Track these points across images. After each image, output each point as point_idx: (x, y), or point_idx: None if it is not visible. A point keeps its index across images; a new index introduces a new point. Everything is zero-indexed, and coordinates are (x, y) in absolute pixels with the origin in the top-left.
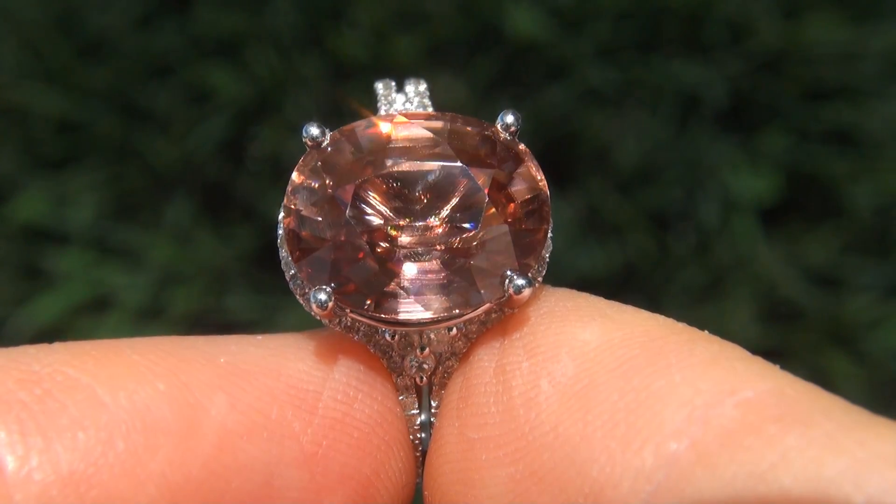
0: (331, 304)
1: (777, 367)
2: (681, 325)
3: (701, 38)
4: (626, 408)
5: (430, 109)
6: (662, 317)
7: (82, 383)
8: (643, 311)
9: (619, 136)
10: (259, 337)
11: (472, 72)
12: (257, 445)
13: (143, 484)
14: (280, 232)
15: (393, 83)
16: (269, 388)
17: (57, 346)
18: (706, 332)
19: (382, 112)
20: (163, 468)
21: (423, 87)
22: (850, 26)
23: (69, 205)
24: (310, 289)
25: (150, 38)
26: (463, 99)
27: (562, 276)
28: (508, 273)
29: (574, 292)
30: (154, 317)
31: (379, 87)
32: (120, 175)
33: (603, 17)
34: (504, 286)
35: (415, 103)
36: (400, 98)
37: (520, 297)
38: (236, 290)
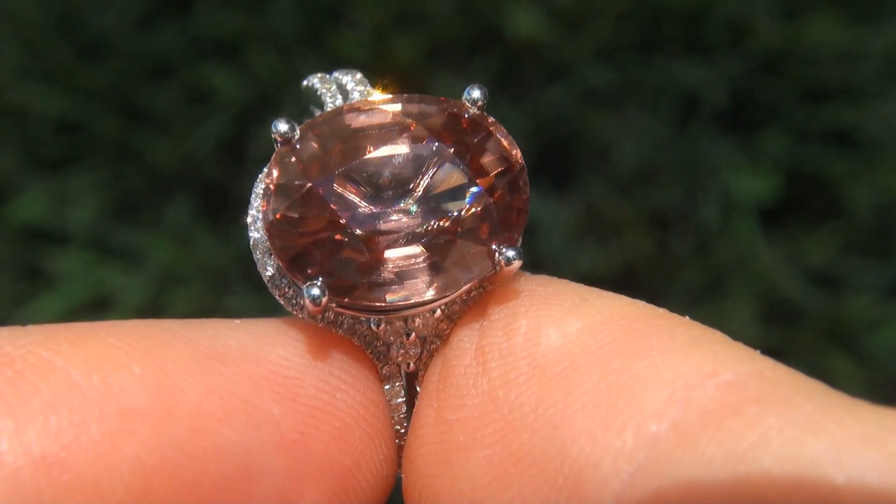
0: (325, 298)
1: (757, 351)
2: (661, 310)
3: (701, 39)
4: (606, 389)
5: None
6: (643, 302)
7: (56, 366)
8: (623, 296)
9: (619, 136)
10: (237, 321)
11: (472, 72)
12: (235, 429)
13: (117, 467)
14: (252, 235)
15: (328, 76)
16: (248, 373)
17: (31, 328)
18: (687, 317)
19: (329, 107)
20: (137, 452)
21: (358, 75)
22: (850, 26)
23: (69, 205)
24: (297, 286)
25: (150, 39)
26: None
27: (562, 276)
28: (495, 246)
29: (553, 278)
30: (154, 317)
31: (315, 81)
32: (120, 175)
33: (603, 17)
34: (494, 260)
35: (358, 92)
36: (341, 90)
37: (510, 268)
38: (236, 290)
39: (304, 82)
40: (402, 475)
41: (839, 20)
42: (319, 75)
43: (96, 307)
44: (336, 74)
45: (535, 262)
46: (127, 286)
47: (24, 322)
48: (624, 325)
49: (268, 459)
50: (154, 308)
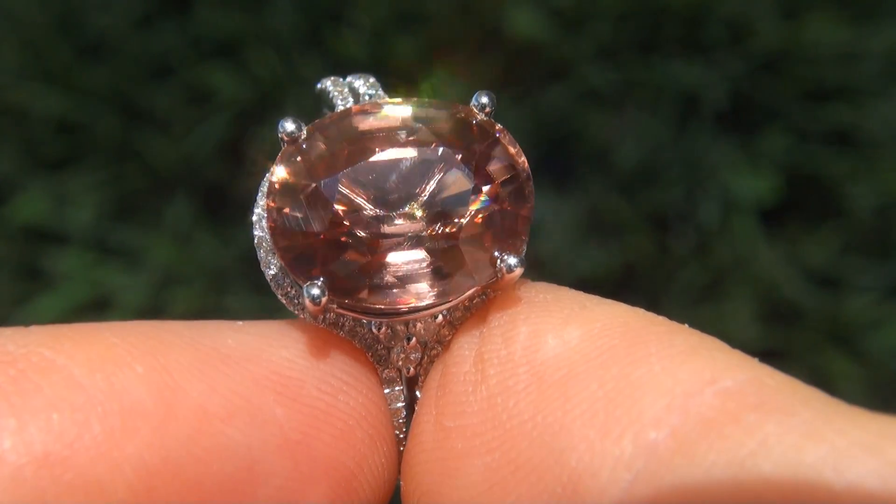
0: (324, 298)
1: (755, 359)
2: (660, 318)
3: (701, 39)
4: (605, 397)
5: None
6: (642, 310)
7: (58, 365)
8: (622, 304)
9: (619, 136)
10: (240, 323)
11: (472, 72)
12: (238, 429)
13: (119, 466)
14: (257, 233)
15: (341, 79)
16: (251, 373)
17: (34, 328)
18: (686, 325)
19: (340, 109)
20: (140, 450)
21: (371, 79)
22: (850, 26)
23: (69, 205)
24: (299, 286)
25: (150, 39)
26: (463, 99)
27: (562, 276)
28: (497, 253)
29: (553, 285)
30: (154, 317)
31: (328, 84)
32: (120, 175)
33: (603, 17)
34: (496, 266)
35: (369, 96)
36: (353, 93)
37: (511, 275)
38: (236, 290)
39: (318, 85)
40: (402, 482)
41: (839, 20)
42: (332, 78)
43: (96, 307)
44: (350, 78)
45: (536, 263)
46: (127, 286)
47: (24, 322)
48: (623, 333)
49: (271, 460)
50: (154, 308)
